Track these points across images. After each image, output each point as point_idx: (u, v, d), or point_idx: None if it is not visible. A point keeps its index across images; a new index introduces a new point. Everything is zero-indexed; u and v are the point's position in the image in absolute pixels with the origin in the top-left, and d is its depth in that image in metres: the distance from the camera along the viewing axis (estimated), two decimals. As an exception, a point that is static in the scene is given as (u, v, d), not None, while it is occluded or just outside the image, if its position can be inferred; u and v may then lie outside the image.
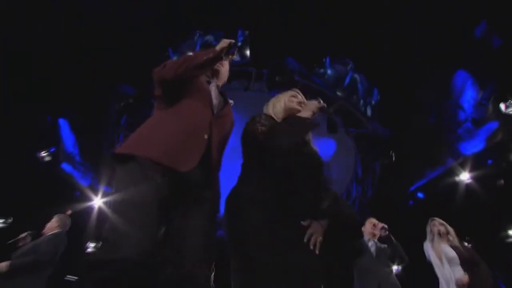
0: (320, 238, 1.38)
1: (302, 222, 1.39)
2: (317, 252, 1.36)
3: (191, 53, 1.52)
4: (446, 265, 3.10)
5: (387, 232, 3.24)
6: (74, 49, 6.27)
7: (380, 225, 3.33)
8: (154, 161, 1.19)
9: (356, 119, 8.15)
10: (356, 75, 7.99)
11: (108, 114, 7.71)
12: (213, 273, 1.23)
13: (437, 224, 3.39)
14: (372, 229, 3.39)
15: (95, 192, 8.24)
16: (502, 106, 7.22)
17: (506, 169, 7.58)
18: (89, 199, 8.11)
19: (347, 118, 8.14)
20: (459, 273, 2.97)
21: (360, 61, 7.82)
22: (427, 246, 3.37)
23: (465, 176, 7.98)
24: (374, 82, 8.29)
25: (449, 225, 3.35)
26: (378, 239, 3.36)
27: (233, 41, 1.46)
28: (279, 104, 1.72)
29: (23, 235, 3.24)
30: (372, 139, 8.10)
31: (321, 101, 1.66)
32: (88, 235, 8.12)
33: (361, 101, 8.16)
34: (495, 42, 7.23)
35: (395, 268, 5.49)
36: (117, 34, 6.47)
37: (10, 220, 6.05)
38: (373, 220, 3.47)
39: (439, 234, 3.30)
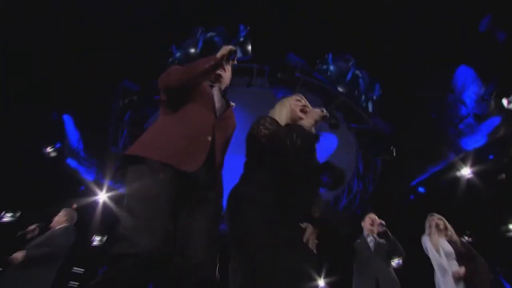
0: (315, 240, 1.46)
1: (300, 224, 1.46)
2: (314, 251, 1.44)
3: (194, 61, 1.56)
4: (444, 257, 3.17)
5: (384, 228, 3.35)
6: (77, 45, 6.33)
7: (378, 221, 3.44)
8: (162, 162, 1.27)
9: (358, 115, 8.18)
10: (357, 71, 7.99)
11: (111, 110, 7.79)
12: (217, 265, 1.30)
13: (436, 219, 3.45)
14: (371, 224, 3.49)
15: (100, 187, 8.38)
16: (505, 101, 7.20)
17: (507, 164, 7.59)
18: (94, 194, 8.25)
19: (349, 114, 8.16)
20: (456, 267, 3.04)
21: (362, 56, 7.82)
22: (425, 240, 3.44)
23: (466, 171, 8.01)
24: (376, 77, 8.29)
25: (450, 219, 3.42)
26: (377, 234, 3.46)
27: (233, 48, 1.53)
28: (285, 109, 1.78)
29: (32, 227, 3.31)
30: (373, 135, 8.12)
31: (324, 110, 1.72)
32: (94, 229, 8.29)
33: (363, 97, 8.17)
34: (499, 36, 7.19)
35: (396, 262, 5.59)
36: (118, 31, 6.51)
37: (18, 214, 6.20)
38: (372, 216, 3.58)
39: (438, 228, 3.36)
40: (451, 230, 3.37)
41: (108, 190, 8.40)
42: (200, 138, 1.39)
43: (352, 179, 9.79)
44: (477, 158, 7.87)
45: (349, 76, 7.83)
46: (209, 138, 1.42)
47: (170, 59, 7.43)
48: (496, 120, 7.62)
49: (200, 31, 7.06)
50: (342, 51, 7.80)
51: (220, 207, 1.48)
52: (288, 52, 7.34)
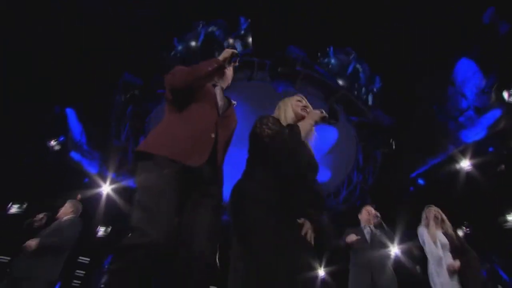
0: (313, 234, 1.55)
1: (298, 220, 1.54)
2: (312, 243, 1.53)
3: (198, 63, 1.63)
4: (440, 249, 3.26)
5: (379, 219, 3.46)
6: (79, 40, 6.36)
7: (374, 212, 3.55)
8: (169, 158, 1.36)
9: (358, 108, 8.21)
10: (358, 64, 7.99)
11: (114, 104, 7.86)
12: (217, 254, 1.40)
13: (433, 211, 3.53)
14: (367, 216, 3.60)
15: (104, 179, 8.51)
16: (505, 94, 7.20)
17: (507, 156, 7.62)
18: (98, 186, 8.39)
19: (349, 107, 8.19)
20: (450, 259, 3.13)
21: (362, 50, 7.80)
22: (422, 231, 3.51)
23: (465, 164, 8.05)
24: (376, 70, 8.28)
25: (449, 211, 3.49)
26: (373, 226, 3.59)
27: (235, 51, 1.64)
28: (286, 109, 1.86)
29: (40, 215, 3.38)
30: (373, 127, 8.17)
31: (323, 111, 1.81)
32: (98, 220, 8.46)
33: (363, 89, 8.19)
34: (502, 28, 7.15)
35: (395, 252, 5.69)
36: (120, 26, 6.52)
37: (25, 206, 6.37)
38: (368, 208, 3.70)
39: (436, 221, 3.43)
40: (447, 223, 3.45)
41: (111, 183, 8.55)
42: (205, 133, 1.49)
43: (352, 171, 9.88)
44: (477, 150, 7.90)
45: (350, 69, 7.84)
46: (213, 135, 1.50)
47: (172, 52, 7.47)
48: (496, 113, 7.62)
49: (201, 24, 7.06)
50: (343, 43, 7.77)
51: (221, 200, 1.56)
52: (289, 45, 7.33)
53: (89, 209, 7.49)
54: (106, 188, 8.49)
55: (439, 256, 3.18)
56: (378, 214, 3.52)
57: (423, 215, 3.63)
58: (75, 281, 8.82)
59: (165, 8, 6.73)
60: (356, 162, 9.55)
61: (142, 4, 6.52)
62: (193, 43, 7.07)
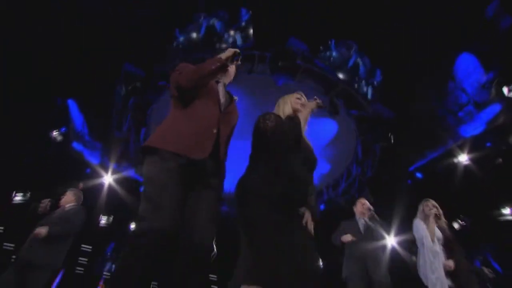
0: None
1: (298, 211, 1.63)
2: (312, 233, 1.62)
3: (204, 60, 1.71)
4: (436, 242, 3.34)
5: (372, 212, 3.56)
6: (82, 33, 6.36)
7: (367, 205, 3.64)
8: (174, 152, 1.45)
9: (358, 102, 8.22)
10: (359, 57, 7.96)
11: (115, 96, 7.90)
12: (214, 239, 1.50)
13: (430, 205, 3.59)
14: (361, 208, 3.70)
15: (105, 170, 8.63)
16: (505, 89, 7.21)
17: (505, 152, 7.67)
18: (99, 176, 8.51)
19: (349, 101, 8.21)
20: (443, 258, 3.22)
21: (363, 43, 7.76)
22: (418, 223, 3.58)
23: (463, 158, 8.11)
24: (377, 64, 8.26)
25: (446, 204, 3.56)
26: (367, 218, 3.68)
27: (237, 50, 1.71)
28: (286, 106, 1.95)
29: (46, 200, 3.39)
30: (373, 121, 8.20)
31: (317, 98, 1.91)
32: (100, 210, 8.61)
33: (363, 82, 8.18)
34: (504, 23, 7.10)
35: (390, 243, 5.81)
36: (121, 20, 6.50)
37: (28, 194, 6.50)
38: (362, 201, 3.79)
39: (435, 218, 3.50)
40: (442, 219, 3.52)
41: (113, 173, 8.67)
42: (208, 129, 1.58)
43: (351, 164, 9.96)
44: (475, 145, 7.95)
45: (350, 62, 7.82)
46: (215, 130, 1.59)
47: (174, 43, 7.46)
48: (496, 108, 7.64)
49: (202, 16, 7.04)
50: (343, 36, 7.73)
51: (221, 191, 1.66)
52: (289, 37, 7.28)
53: (91, 199, 7.63)
54: (107, 178, 8.62)
55: (436, 252, 3.24)
56: (371, 208, 3.61)
57: (420, 208, 3.68)
58: (78, 268, 9.03)
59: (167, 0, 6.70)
60: (355, 155, 9.62)
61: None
62: (194, 35, 7.07)
